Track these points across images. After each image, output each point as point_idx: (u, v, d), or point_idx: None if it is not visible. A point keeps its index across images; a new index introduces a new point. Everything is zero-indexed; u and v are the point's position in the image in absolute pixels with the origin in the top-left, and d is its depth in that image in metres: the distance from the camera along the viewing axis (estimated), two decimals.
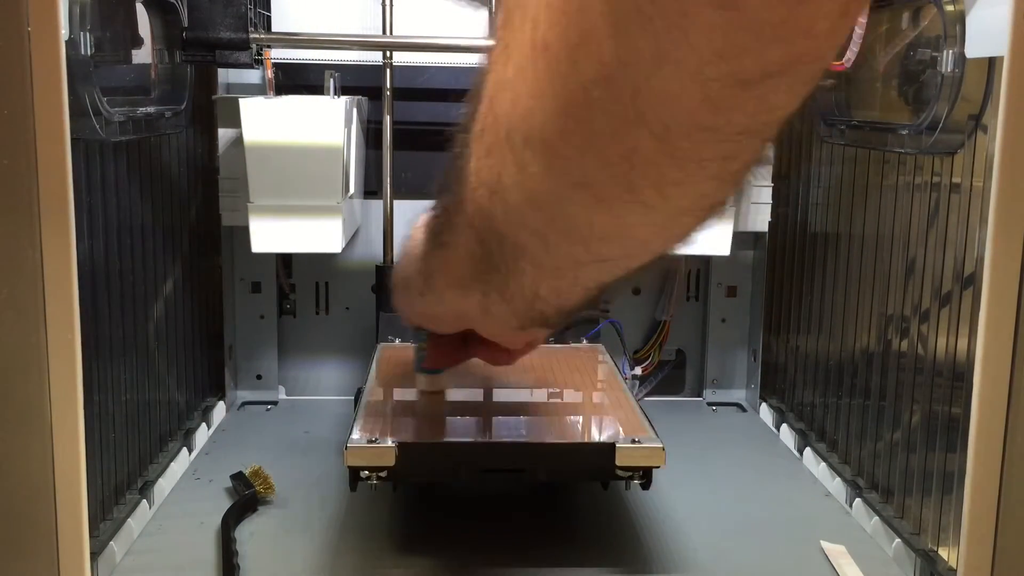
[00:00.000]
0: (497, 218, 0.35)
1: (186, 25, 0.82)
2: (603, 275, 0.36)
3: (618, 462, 0.65)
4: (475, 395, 0.77)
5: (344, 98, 0.84)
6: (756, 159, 0.28)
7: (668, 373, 1.06)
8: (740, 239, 0.99)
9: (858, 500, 0.78)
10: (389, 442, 0.64)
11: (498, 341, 0.52)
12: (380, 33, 0.95)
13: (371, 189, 1.00)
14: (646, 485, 0.66)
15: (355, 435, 0.65)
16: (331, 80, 0.87)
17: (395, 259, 0.59)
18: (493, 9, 0.96)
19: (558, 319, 0.42)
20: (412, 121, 0.99)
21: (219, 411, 0.98)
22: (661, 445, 0.65)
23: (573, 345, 0.90)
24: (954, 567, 0.61)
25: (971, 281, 0.64)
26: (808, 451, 0.90)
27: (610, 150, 0.28)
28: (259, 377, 1.03)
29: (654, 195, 0.29)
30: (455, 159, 0.37)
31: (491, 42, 0.31)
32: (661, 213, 0.30)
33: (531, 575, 0.67)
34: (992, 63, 0.62)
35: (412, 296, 0.51)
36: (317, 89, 0.89)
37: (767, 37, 0.23)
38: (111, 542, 0.67)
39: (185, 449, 0.87)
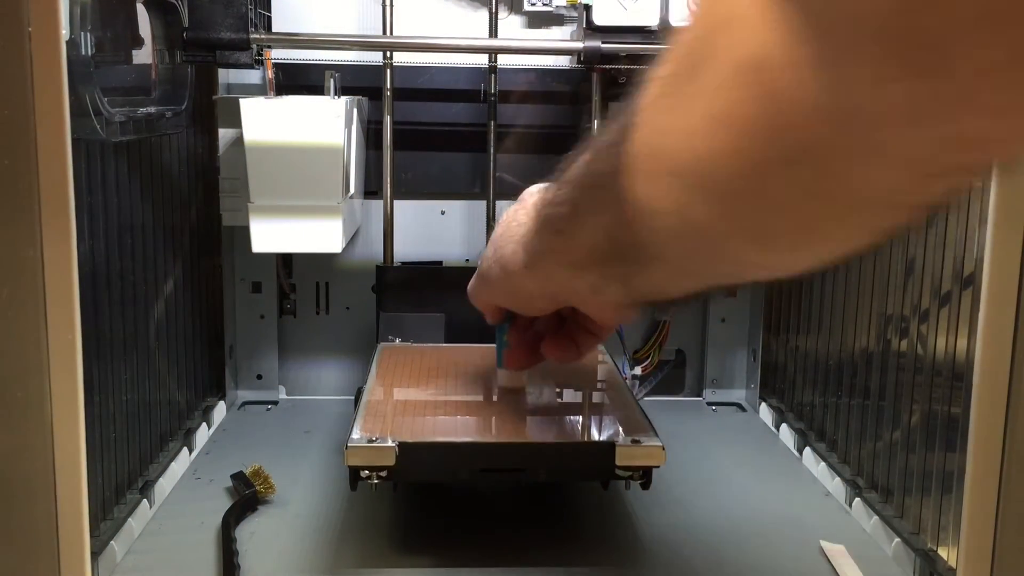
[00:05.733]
0: (641, 230, 0.36)
1: (186, 25, 0.82)
2: (734, 280, 0.39)
3: (618, 462, 0.65)
4: (475, 395, 0.77)
5: (344, 98, 0.84)
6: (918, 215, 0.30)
7: (668, 373, 1.06)
8: None
9: (857, 500, 0.78)
10: (389, 442, 0.64)
11: (595, 317, 0.56)
12: (380, 33, 0.95)
13: (371, 189, 1.00)
14: (646, 485, 0.66)
15: (355, 435, 0.65)
16: (331, 80, 0.87)
17: (488, 243, 0.60)
18: (493, 9, 0.96)
19: (665, 304, 0.44)
20: (412, 121, 0.99)
21: (219, 411, 0.98)
22: (661, 445, 0.65)
23: None
24: (953, 567, 0.61)
25: (970, 281, 0.64)
26: (808, 451, 0.90)
27: (788, 214, 0.30)
28: (259, 377, 1.03)
29: (816, 245, 0.32)
30: (591, 158, 0.40)
31: (651, 78, 0.32)
32: (814, 254, 0.32)
33: (531, 575, 0.67)
34: None
35: (511, 271, 0.53)
36: (317, 89, 0.89)
37: (953, 147, 0.25)
38: (112, 541, 0.68)
39: (185, 449, 0.87)
